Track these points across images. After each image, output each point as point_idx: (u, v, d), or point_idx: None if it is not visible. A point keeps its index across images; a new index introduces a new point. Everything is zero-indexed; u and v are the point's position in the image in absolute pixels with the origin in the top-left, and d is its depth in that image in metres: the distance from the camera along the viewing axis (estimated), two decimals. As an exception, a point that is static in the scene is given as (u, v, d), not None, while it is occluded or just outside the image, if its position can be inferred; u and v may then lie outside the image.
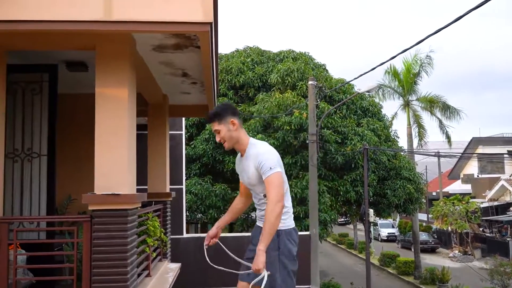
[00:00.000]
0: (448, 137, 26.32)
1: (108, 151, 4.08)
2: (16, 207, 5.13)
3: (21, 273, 4.43)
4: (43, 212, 5.16)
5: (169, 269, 6.48)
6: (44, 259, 4.50)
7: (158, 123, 7.30)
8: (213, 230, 3.66)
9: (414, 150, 24.49)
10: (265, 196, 3.32)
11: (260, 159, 3.24)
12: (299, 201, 15.84)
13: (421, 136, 25.10)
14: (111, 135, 4.11)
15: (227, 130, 3.32)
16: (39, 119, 5.39)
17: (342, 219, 50.55)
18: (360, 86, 27.41)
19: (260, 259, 3.03)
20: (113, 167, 4.05)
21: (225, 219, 3.76)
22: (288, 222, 3.34)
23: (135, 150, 4.47)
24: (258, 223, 3.53)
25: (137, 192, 4.43)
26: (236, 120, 3.34)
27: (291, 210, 3.44)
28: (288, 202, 3.39)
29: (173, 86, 6.73)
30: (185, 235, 10.48)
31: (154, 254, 6.20)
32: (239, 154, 3.51)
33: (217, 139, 3.37)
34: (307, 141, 14.83)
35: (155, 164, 7.34)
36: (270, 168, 3.18)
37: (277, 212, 3.11)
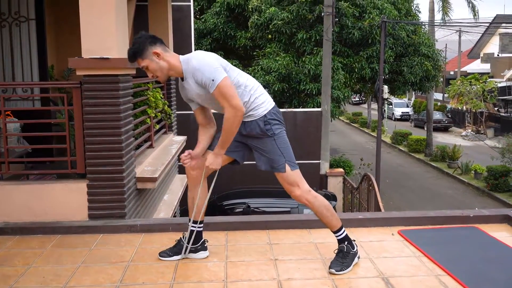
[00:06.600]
0: (474, 10, 24.75)
1: (93, 10, 3.69)
2: (8, 74, 4.89)
3: (15, 142, 4.31)
4: (35, 79, 4.92)
5: (174, 141, 6.38)
6: (40, 127, 4.34)
7: (159, -11, 6.76)
8: (196, 151, 3.18)
9: (435, 22, 23.12)
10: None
11: (197, 74, 2.89)
12: (312, 78, 15.45)
13: (445, 10, 23.60)
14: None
15: (154, 63, 2.94)
16: (23, -21, 4.93)
17: (357, 99, 50.26)
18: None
19: (217, 160, 3.02)
20: (100, 28, 3.69)
21: (202, 146, 3.21)
22: (267, 104, 3.08)
23: (125, 10, 4.07)
24: None
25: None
26: (158, 49, 2.95)
27: (264, 91, 3.13)
28: (255, 86, 3.08)
29: None
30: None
31: (157, 126, 6.07)
32: (179, 81, 3.08)
33: (149, 76, 3.01)
34: (323, 14, 14.06)
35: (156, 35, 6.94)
36: (212, 80, 2.84)
37: (238, 121, 2.91)
